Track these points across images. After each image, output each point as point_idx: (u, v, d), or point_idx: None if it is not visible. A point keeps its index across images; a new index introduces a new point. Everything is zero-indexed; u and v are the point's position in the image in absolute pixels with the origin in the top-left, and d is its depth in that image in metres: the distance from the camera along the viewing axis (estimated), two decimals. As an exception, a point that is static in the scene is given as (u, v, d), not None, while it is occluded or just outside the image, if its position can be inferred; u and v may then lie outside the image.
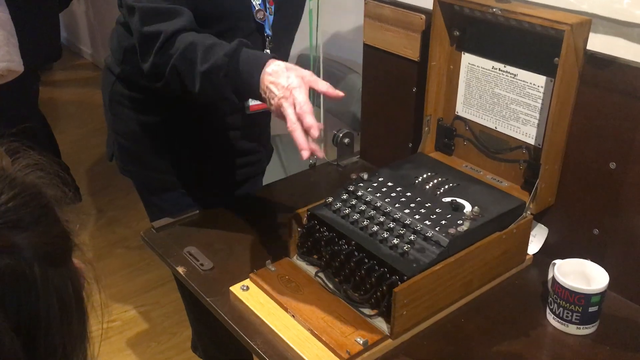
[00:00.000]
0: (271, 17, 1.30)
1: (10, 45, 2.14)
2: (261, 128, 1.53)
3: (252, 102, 1.34)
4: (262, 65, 1.04)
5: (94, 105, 3.42)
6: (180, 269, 1.20)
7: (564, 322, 1.05)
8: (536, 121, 1.18)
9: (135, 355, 2.10)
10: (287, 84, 1.00)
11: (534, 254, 1.22)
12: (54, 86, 4.05)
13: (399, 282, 1.01)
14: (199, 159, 1.43)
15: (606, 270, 1.06)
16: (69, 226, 0.62)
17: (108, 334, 2.15)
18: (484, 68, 1.24)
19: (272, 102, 1.02)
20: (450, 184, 1.22)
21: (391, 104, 1.50)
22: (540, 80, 1.15)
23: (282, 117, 1.00)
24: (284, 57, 1.42)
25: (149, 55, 1.17)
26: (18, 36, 2.16)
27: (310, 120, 0.97)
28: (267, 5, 1.29)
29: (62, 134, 2.81)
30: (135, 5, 1.16)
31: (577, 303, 1.02)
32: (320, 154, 0.99)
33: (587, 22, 1.07)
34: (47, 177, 0.62)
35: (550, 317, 1.08)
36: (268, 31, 1.31)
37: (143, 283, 2.42)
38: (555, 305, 1.05)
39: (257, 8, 1.26)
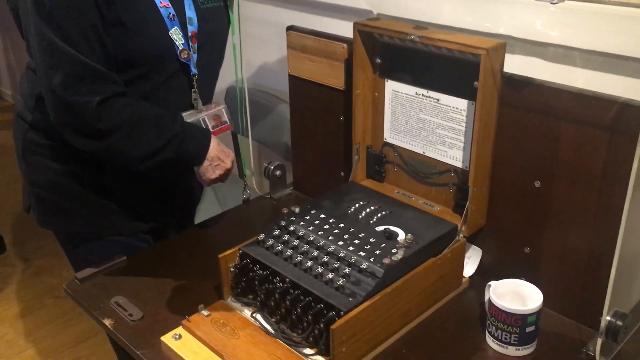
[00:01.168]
0: (195, 55, 1.27)
1: None
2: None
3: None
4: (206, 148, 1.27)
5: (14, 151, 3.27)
6: (107, 322, 1.13)
7: (502, 345, 1.05)
8: (462, 144, 1.19)
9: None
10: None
11: (469, 276, 1.23)
12: (-28, 130, 3.84)
13: (336, 318, 0.98)
14: (126, 200, 1.36)
15: (540, 288, 1.07)
16: None
17: (40, 392, 2.02)
18: (407, 94, 1.25)
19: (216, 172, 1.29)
20: (383, 212, 1.21)
21: (320, 134, 1.48)
22: (462, 104, 1.16)
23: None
24: (210, 92, 1.39)
25: (70, 126, 1.17)
26: None
27: None
28: (190, 44, 1.26)
29: (-19, 180, 2.67)
30: (55, 64, 1.11)
31: (514, 324, 1.02)
32: None
33: (502, 46, 1.09)
34: None
35: (489, 340, 1.07)
36: (194, 69, 1.28)
37: (76, 333, 2.29)
38: (493, 327, 1.05)
39: (180, 48, 1.23)
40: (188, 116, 1.29)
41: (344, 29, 1.42)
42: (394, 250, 1.08)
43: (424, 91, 1.22)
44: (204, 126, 1.32)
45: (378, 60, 1.27)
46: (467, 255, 1.22)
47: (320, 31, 1.40)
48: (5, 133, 3.79)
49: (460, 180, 1.22)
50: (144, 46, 1.20)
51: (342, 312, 0.98)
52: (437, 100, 1.20)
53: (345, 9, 1.66)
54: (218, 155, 1.28)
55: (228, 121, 1.36)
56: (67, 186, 1.31)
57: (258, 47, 1.98)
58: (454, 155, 1.21)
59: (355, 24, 1.22)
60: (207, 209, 1.82)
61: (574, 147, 1.04)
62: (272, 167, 1.54)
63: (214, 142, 1.28)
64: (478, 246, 1.24)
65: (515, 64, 1.19)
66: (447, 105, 1.19)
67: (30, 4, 1.10)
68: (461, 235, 1.17)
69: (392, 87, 1.27)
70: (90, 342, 2.24)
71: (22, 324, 2.34)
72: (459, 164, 1.21)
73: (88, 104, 1.12)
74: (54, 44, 1.09)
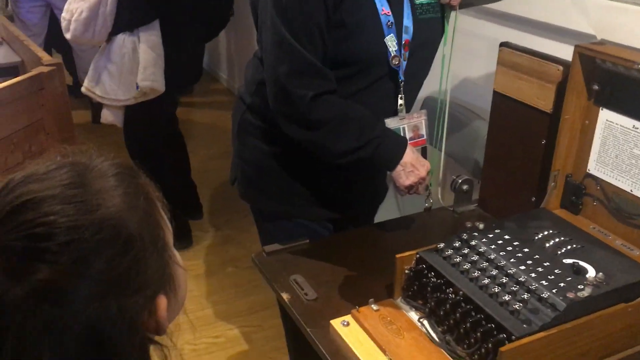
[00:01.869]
0: (405, 63, 1.31)
1: (157, 67, 2.33)
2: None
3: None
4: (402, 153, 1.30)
5: (224, 130, 3.62)
6: (285, 296, 1.22)
7: (693, 416, 0.94)
8: (679, 188, 1.08)
9: (233, 375, 2.15)
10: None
11: (663, 334, 1.11)
12: (191, 107, 4.33)
13: (507, 342, 0.95)
14: (319, 188, 1.45)
15: None
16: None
17: (211, 348, 2.23)
18: (623, 126, 1.17)
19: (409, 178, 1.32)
20: (574, 245, 1.14)
21: (517, 155, 1.44)
22: (687, 144, 1.06)
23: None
24: (413, 100, 1.43)
25: (284, 114, 1.28)
26: (165, 60, 2.36)
27: None
28: (402, 52, 1.30)
29: (191, 154, 2.98)
30: (283, 57, 1.22)
31: None
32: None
33: None
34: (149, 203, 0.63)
35: (677, 407, 0.96)
36: (401, 76, 1.32)
37: (249, 304, 2.47)
38: (685, 394, 0.94)
39: (393, 54, 1.28)
40: (390, 122, 1.34)
41: (560, 50, 1.37)
42: (580, 287, 1.01)
43: (643, 125, 1.13)
44: (402, 134, 1.35)
45: (595, 87, 1.20)
46: (664, 310, 1.11)
47: (535, 50, 1.36)
48: (219, 113, 4.23)
49: (670, 227, 1.11)
50: (359, 48, 1.26)
51: (513, 337, 0.95)
52: (658, 136, 1.10)
53: (565, 31, 1.58)
54: (412, 163, 1.30)
55: (425, 135, 1.38)
56: (271, 166, 1.43)
57: (465, 60, 1.97)
58: (667, 198, 1.11)
59: (577, 47, 1.17)
60: (385, 212, 1.86)
61: None
62: (460, 181, 1.53)
63: (409, 151, 1.31)
64: (679, 303, 1.12)
65: None
66: (668, 144, 1.09)
67: (269, 0, 1.22)
68: (661, 286, 1.06)
69: (607, 117, 1.20)
70: (260, 314, 2.40)
71: (204, 285, 2.58)
72: (671, 209, 1.10)
73: (304, 97, 1.22)
74: (285, 39, 1.20)
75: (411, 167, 1.30)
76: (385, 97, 1.33)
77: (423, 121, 1.38)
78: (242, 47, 4.45)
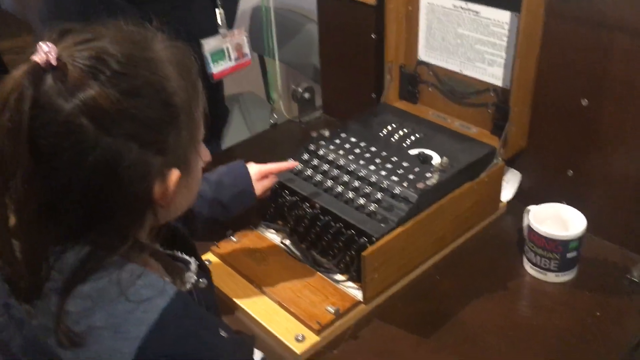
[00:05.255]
0: None
1: None
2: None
3: (216, 70, 1.25)
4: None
5: None
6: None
7: (542, 271, 1.01)
8: (503, 61, 1.11)
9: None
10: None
11: (507, 201, 1.17)
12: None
13: (368, 245, 0.95)
14: None
15: (583, 213, 1.01)
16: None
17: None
18: (444, 7, 1.16)
19: None
20: (417, 135, 1.15)
21: (351, 54, 1.41)
22: (504, 16, 1.07)
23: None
24: (233, 15, 1.32)
25: None
26: None
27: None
28: None
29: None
30: None
31: (554, 250, 0.98)
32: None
33: (551, -51, 0.98)
34: None
35: (527, 266, 1.03)
36: None
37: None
38: (532, 253, 1.01)
39: None
40: (211, 42, 1.23)
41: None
42: (428, 175, 1.03)
43: (462, 3, 1.13)
44: (226, 54, 1.25)
45: (412, -29, 1.18)
46: (505, 179, 1.17)
47: (350, -60, 1.30)
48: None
49: (499, 99, 1.14)
50: None
51: (374, 239, 0.95)
52: (477, 12, 1.11)
53: None
54: None
55: (249, 54, 1.29)
56: None
57: (284, -39, 1.87)
58: (493, 72, 1.13)
59: None
60: (234, 134, 1.79)
61: (627, 60, 0.95)
62: (300, 90, 1.48)
63: None
64: (517, 169, 1.18)
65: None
66: (487, 18, 1.10)
67: None
68: (500, 158, 1.11)
69: (428, 0, 1.18)
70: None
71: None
72: (499, 82, 1.13)
73: None
74: None
75: None
76: (201, 12, 1.22)
77: (244, 38, 1.29)
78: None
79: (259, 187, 1.04)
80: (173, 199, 0.66)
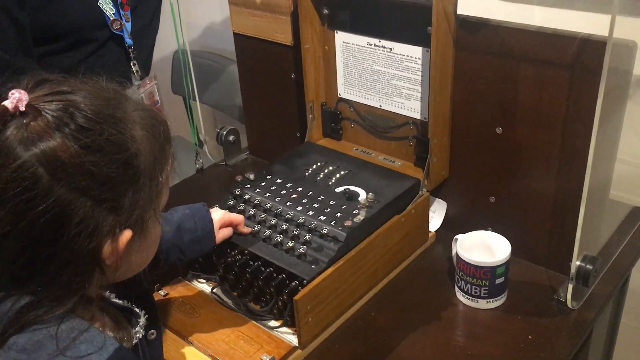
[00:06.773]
0: (129, 24, 1.18)
1: None
2: None
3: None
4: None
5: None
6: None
7: (473, 298, 1.02)
8: (419, 94, 1.13)
9: None
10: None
11: (436, 231, 1.19)
12: None
13: (300, 288, 0.93)
14: None
15: (507, 237, 1.04)
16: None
17: None
18: (359, 45, 1.18)
19: None
20: (342, 172, 1.16)
21: (272, 94, 1.41)
22: (416, 51, 1.10)
23: None
24: (148, 63, 1.30)
25: None
26: None
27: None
28: (122, 12, 1.16)
29: None
30: None
31: (483, 277, 0.99)
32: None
33: (455, -14, 1.02)
34: None
35: (459, 295, 1.04)
36: (128, 40, 1.18)
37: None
38: (463, 282, 1.02)
39: (112, 18, 1.14)
40: (128, 92, 1.21)
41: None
42: (355, 212, 1.03)
43: (375, 41, 1.15)
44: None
45: (325, 11, 1.19)
46: (432, 209, 1.18)
47: (262, -17, 1.31)
48: None
49: (419, 132, 1.16)
50: (65, 15, 1.10)
51: (305, 282, 0.93)
52: (390, 49, 1.13)
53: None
54: None
55: (159, 101, 1.28)
56: None
57: (200, 4, 1.87)
58: (411, 106, 1.16)
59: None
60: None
61: (535, 88, 1.00)
62: (224, 133, 1.47)
63: None
64: (443, 199, 1.20)
65: (469, 6, 1.12)
66: (400, 54, 1.12)
67: None
68: (424, 189, 1.12)
69: (343, 39, 1.20)
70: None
71: None
72: (417, 116, 1.16)
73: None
74: None
75: None
76: (115, 64, 1.19)
77: (154, 86, 1.28)
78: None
79: (220, 236, 1.00)
80: (123, 260, 0.65)
